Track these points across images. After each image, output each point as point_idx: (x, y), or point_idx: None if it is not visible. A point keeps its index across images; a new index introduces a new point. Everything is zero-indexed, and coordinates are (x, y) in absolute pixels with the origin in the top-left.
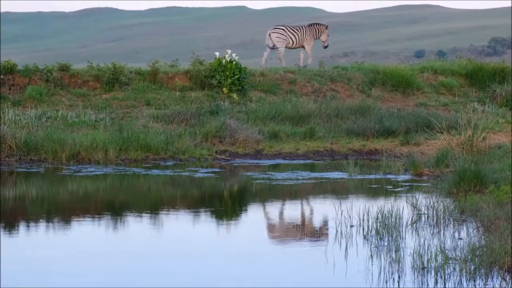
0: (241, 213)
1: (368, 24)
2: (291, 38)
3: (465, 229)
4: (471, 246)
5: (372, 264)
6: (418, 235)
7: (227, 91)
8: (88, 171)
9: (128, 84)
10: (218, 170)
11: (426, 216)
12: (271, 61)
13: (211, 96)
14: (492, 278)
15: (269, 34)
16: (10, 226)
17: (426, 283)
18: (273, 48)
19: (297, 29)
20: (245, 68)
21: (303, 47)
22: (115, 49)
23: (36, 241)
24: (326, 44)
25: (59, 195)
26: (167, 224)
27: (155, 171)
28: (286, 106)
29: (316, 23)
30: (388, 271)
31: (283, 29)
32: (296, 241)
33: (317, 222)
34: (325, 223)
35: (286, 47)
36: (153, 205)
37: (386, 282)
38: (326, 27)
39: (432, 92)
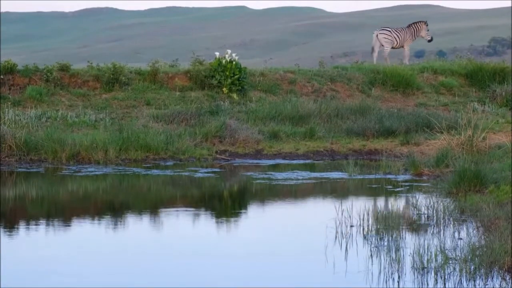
0: (241, 213)
1: (368, 24)
2: (396, 39)
3: (465, 229)
4: (471, 246)
5: (372, 264)
6: (418, 235)
7: (227, 91)
8: (88, 171)
9: (128, 84)
10: (218, 170)
11: (426, 216)
12: (271, 61)
13: (211, 96)
14: (492, 278)
15: (376, 35)
16: (10, 226)
17: (426, 283)
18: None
19: (400, 31)
20: (245, 68)
21: (402, 47)
22: (115, 49)
23: (36, 241)
24: (429, 38)
25: (59, 195)
26: (167, 224)
27: (155, 171)
28: (286, 106)
29: (415, 23)
30: (388, 271)
31: (390, 31)
32: (296, 241)
33: (316, 222)
34: (325, 223)
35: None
36: (153, 205)
37: (386, 282)
38: (425, 23)
39: (432, 92)
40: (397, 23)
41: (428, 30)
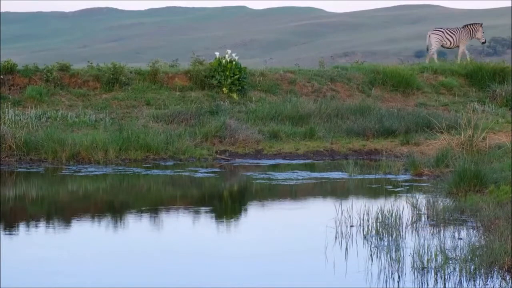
0: (241, 213)
1: (368, 24)
2: (448, 39)
3: (465, 229)
4: (471, 246)
5: (372, 264)
6: (418, 235)
7: (227, 91)
8: (88, 171)
9: (128, 84)
10: (218, 170)
11: (426, 216)
12: (271, 61)
13: (211, 96)
14: (492, 278)
15: (429, 36)
16: (10, 226)
17: (426, 283)
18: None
19: (454, 31)
20: (245, 68)
21: (458, 47)
22: (115, 49)
23: (36, 241)
24: (483, 40)
25: (59, 195)
26: (167, 224)
27: (155, 171)
28: (286, 106)
29: (471, 24)
30: (388, 271)
31: (442, 31)
32: (296, 241)
33: (316, 222)
34: (325, 223)
35: (444, 47)
36: (153, 205)
37: (386, 282)
38: (481, 25)
39: (432, 92)
40: (397, 23)
41: (483, 32)
